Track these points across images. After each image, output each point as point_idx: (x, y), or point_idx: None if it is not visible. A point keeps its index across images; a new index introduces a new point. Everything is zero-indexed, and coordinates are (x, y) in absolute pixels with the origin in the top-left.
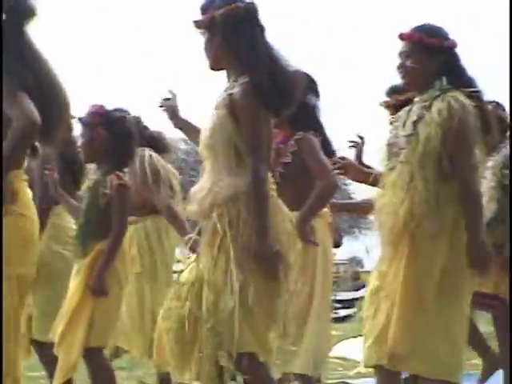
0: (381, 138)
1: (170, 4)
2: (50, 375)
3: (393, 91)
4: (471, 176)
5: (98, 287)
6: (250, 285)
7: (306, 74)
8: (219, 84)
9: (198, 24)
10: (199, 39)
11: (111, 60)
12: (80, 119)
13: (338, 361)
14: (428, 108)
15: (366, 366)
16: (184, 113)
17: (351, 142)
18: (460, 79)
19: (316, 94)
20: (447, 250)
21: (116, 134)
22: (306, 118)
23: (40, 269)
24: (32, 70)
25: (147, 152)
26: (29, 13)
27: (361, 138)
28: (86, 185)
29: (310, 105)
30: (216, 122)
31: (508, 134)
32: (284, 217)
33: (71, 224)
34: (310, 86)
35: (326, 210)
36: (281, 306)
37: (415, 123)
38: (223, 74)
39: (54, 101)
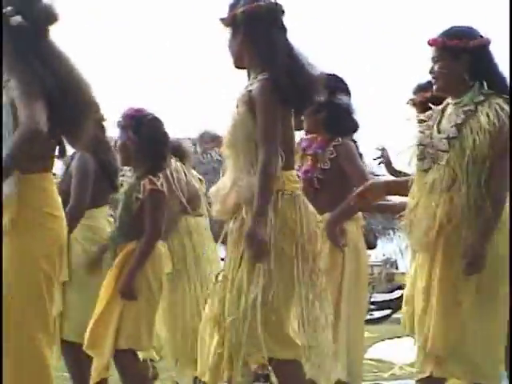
0: (410, 139)
1: (172, 5)
2: (73, 377)
3: (419, 89)
4: (504, 182)
5: (126, 290)
6: (273, 284)
7: (338, 76)
8: (221, 86)
9: (222, 22)
10: (201, 41)
11: (112, 61)
12: (117, 122)
13: (372, 362)
14: (473, 112)
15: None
16: (186, 114)
17: (377, 158)
18: (491, 80)
19: (349, 96)
20: None
21: (144, 137)
22: (343, 122)
23: (76, 270)
24: (52, 70)
25: (174, 162)
26: (51, 17)
27: (381, 149)
28: (122, 188)
29: (344, 108)
30: (236, 118)
31: None
32: (309, 215)
33: (103, 225)
34: (343, 88)
35: (359, 213)
36: (302, 303)
37: (459, 127)
38: (226, 76)
39: (77, 100)
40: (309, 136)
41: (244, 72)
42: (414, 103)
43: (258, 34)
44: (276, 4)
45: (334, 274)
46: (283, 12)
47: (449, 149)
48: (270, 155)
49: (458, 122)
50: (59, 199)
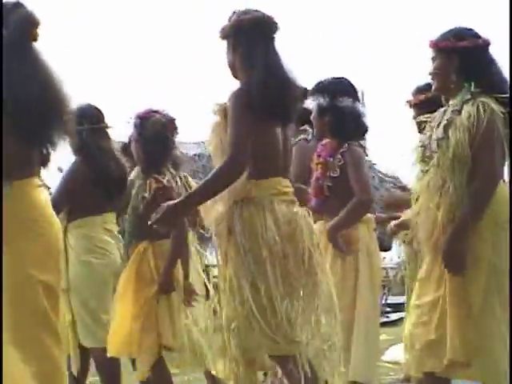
0: (414, 141)
1: (144, 8)
2: (75, 378)
3: (418, 91)
4: (488, 181)
5: (165, 284)
6: (259, 288)
7: (343, 80)
8: (194, 89)
9: (219, 35)
10: (175, 44)
11: (84, 63)
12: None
13: (389, 365)
14: (458, 112)
15: (416, 374)
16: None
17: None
18: (481, 80)
19: (355, 100)
20: (490, 251)
21: (147, 138)
22: (347, 126)
23: (72, 279)
24: (30, 77)
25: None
26: (32, 24)
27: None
28: (132, 190)
29: (347, 111)
30: (213, 128)
31: None
32: (282, 219)
33: (99, 234)
34: (345, 91)
35: (370, 215)
36: (279, 304)
37: (446, 127)
38: (198, 78)
39: (53, 107)
40: (324, 142)
41: (214, 75)
42: (410, 105)
43: (240, 46)
44: (263, 16)
45: (347, 277)
46: (272, 23)
47: (437, 150)
48: (228, 160)
49: (445, 122)
50: (46, 205)
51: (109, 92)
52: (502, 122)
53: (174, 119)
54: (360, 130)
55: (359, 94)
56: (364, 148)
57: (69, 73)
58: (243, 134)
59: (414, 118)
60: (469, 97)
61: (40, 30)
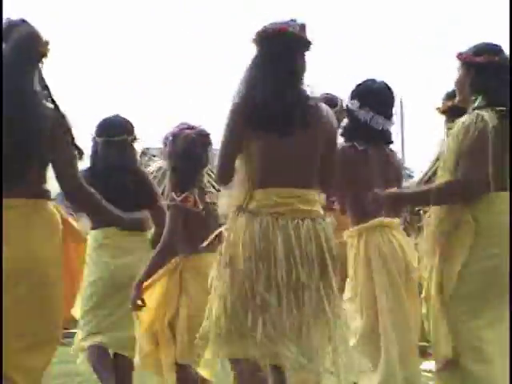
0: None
1: (131, 8)
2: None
3: (447, 97)
4: (462, 184)
5: (132, 299)
6: (232, 294)
7: (374, 90)
8: (182, 88)
9: None
10: (161, 43)
11: (72, 64)
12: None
13: (429, 374)
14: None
15: None
16: (146, 117)
17: None
18: (488, 95)
19: (371, 108)
20: (465, 258)
21: (176, 154)
22: (347, 126)
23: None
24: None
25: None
26: (34, 44)
27: None
28: None
29: (350, 112)
30: None
31: None
32: (271, 233)
33: (98, 249)
34: (363, 99)
35: (381, 219)
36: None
37: (446, 137)
38: (186, 78)
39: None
40: None
41: (200, 75)
42: (439, 111)
43: (252, 59)
44: (266, 31)
45: (364, 282)
46: (283, 37)
47: (439, 159)
48: (216, 175)
49: (446, 134)
50: (10, 225)
51: (140, 100)
52: (497, 136)
53: (208, 134)
54: (366, 136)
55: (387, 107)
56: (388, 151)
57: (87, 85)
58: (226, 146)
59: (446, 124)
60: (471, 110)
61: (48, 47)
